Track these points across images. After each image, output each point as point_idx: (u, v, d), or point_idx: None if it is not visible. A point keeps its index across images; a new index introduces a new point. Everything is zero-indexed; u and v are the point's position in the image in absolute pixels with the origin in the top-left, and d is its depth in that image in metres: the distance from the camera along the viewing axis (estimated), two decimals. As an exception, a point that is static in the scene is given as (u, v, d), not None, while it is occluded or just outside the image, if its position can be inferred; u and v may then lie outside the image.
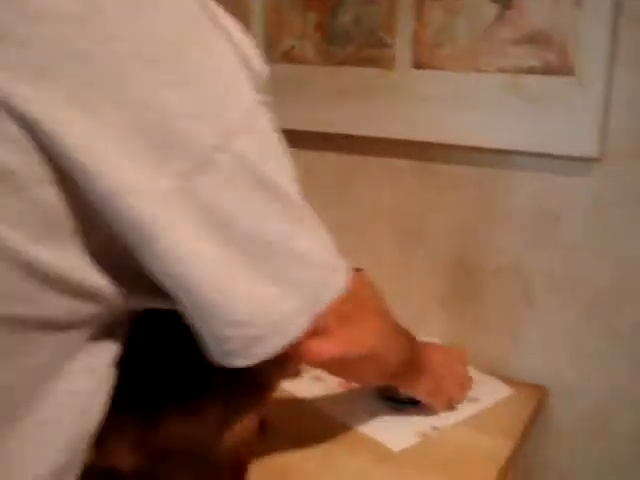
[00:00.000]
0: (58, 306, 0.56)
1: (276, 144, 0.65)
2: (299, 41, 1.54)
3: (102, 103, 0.50)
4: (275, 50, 1.57)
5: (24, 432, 0.58)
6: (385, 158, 1.53)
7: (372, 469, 1.15)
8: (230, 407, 0.86)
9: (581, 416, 1.44)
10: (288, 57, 1.55)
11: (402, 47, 1.42)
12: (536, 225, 1.42)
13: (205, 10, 0.59)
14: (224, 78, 0.60)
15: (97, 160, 0.50)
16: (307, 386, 1.40)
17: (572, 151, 1.33)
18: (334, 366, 0.87)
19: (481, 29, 1.35)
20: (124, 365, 0.68)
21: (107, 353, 0.64)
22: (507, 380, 1.45)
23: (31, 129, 0.49)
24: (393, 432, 1.26)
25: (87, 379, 0.62)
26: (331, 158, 1.59)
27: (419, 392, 1.22)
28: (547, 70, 1.32)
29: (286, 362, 0.85)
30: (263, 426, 1.15)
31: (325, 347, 0.75)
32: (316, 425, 1.28)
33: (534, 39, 1.31)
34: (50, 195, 0.52)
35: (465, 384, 1.33)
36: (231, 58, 0.60)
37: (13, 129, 0.49)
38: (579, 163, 1.35)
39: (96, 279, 0.56)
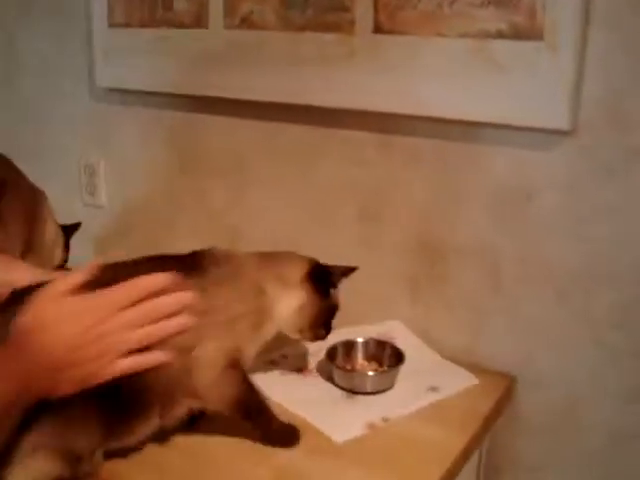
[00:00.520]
0: None
1: None
2: (258, 6, 1.44)
3: None
4: (234, 15, 1.47)
5: None
6: (346, 130, 1.44)
7: (304, 461, 1.07)
8: None
9: (552, 407, 1.35)
10: (247, 23, 1.46)
11: (362, 11, 1.32)
12: (505, 204, 1.32)
13: None
14: None
15: None
16: (262, 370, 1.31)
17: (542, 123, 1.23)
18: None
19: (445, -10, 1.25)
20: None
21: None
22: (473, 368, 1.35)
23: None
24: (339, 422, 1.18)
25: None
26: (292, 130, 1.50)
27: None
28: (515, 34, 1.21)
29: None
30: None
31: None
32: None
33: (501, 0, 1.21)
34: None
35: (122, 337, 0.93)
36: None
37: None
38: (550, 136, 1.24)
39: None
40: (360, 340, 1.36)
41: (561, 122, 1.21)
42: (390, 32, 1.30)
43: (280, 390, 1.26)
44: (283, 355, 1.39)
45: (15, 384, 0.89)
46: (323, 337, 1.23)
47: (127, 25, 1.65)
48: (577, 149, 1.23)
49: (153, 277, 0.94)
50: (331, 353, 1.32)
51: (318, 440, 1.12)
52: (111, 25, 1.67)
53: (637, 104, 1.17)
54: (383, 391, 1.28)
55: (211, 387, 1.05)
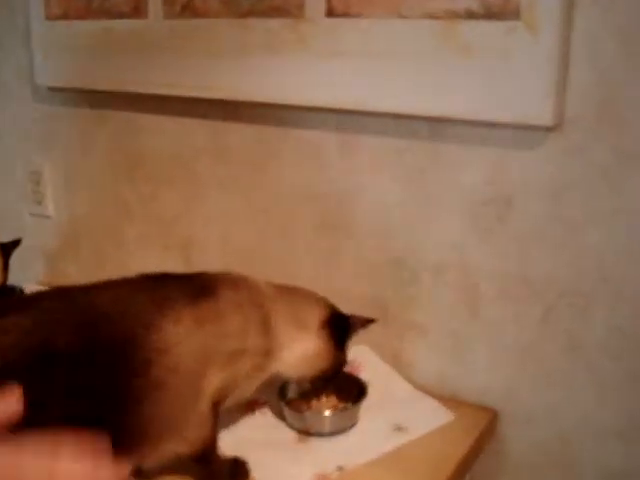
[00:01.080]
0: None
1: None
2: (200, -10, 1.27)
3: None
4: (174, 3, 1.30)
5: None
6: (302, 130, 1.26)
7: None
8: None
9: (538, 446, 1.17)
10: (188, 10, 1.29)
11: (313, -9, 1.15)
12: (482, 212, 1.14)
13: None
14: None
15: None
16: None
17: (522, 119, 1.05)
18: None
19: (406, -35, 1.07)
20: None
21: None
22: (449, 401, 1.18)
23: None
24: (283, 474, 1.01)
25: None
26: (242, 130, 1.33)
27: None
28: (487, 14, 1.03)
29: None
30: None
31: None
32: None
33: (470, -26, 1.03)
34: None
35: None
36: None
37: None
38: (532, 133, 1.07)
39: None
40: (318, 370, 1.18)
41: (544, 117, 1.03)
42: (344, 15, 1.13)
43: (221, 428, 1.08)
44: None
45: None
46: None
47: (64, 17, 1.48)
48: (563, 148, 1.06)
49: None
50: (283, 387, 1.14)
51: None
52: (48, 17, 1.50)
53: (631, 95, 0.99)
54: (343, 431, 1.10)
55: (194, 425, 0.93)
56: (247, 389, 1.02)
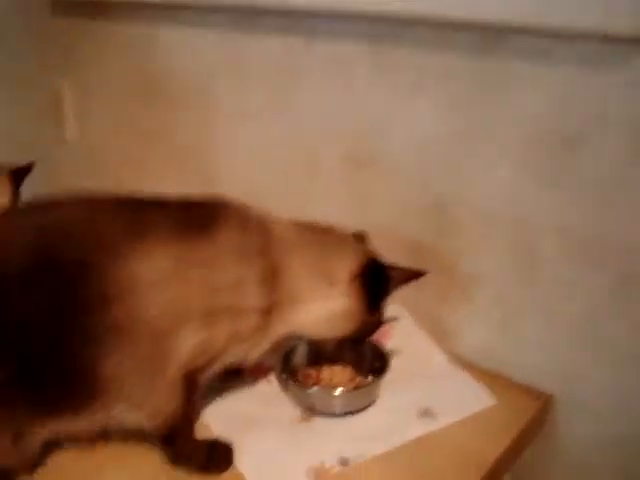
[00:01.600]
0: None
1: None
2: None
3: None
4: None
5: None
6: (330, 44, 1.04)
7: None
8: None
9: (600, 444, 0.95)
10: None
11: None
12: (544, 150, 0.89)
13: None
14: None
15: None
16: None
17: (603, 26, 0.79)
18: None
19: None
20: None
21: None
22: (493, 380, 0.97)
23: None
24: (272, 466, 0.83)
25: None
26: (264, 43, 1.12)
27: None
28: None
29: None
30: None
31: None
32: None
33: None
34: None
35: None
36: None
37: None
38: (614, 47, 0.80)
39: None
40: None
41: (633, 25, 0.77)
42: None
43: (215, 402, 0.92)
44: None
45: None
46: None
47: None
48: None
49: None
50: (288, 354, 0.96)
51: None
52: None
53: None
54: (356, 411, 0.92)
55: (159, 394, 0.77)
56: (240, 356, 0.84)
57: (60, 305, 0.72)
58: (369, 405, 0.93)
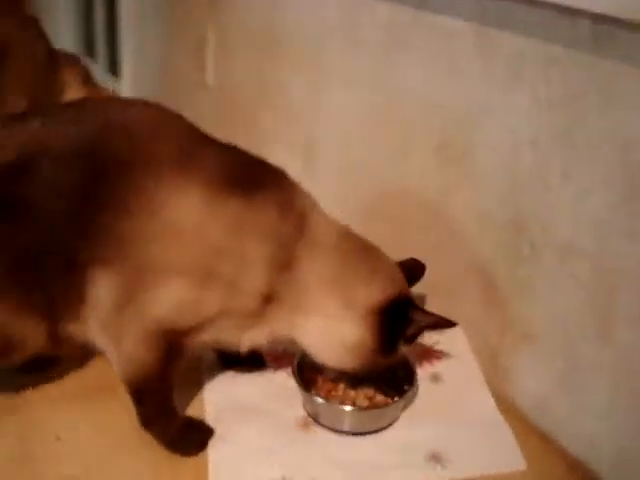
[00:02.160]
0: None
1: None
2: None
3: None
4: None
5: None
6: (436, 15, 0.91)
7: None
8: None
9: None
10: None
11: None
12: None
13: None
14: None
15: None
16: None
17: None
18: None
19: None
20: None
21: None
22: (535, 440, 0.81)
23: None
24: (244, 470, 0.76)
25: None
26: (378, 7, 1.00)
27: None
28: None
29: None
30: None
31: None
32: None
33: None
34: None
35: None
36: None
37: None
38: None
39: None
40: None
41: None
42: None
43: (222, 383, 0.86)
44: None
45: None
46: None
47: None
48: None
49: None
50: (304, 358, 0.85)
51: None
52: None
53: None
54: (363, 433, 0.81)
55: (130, 336, 0.74)
56: (231, 338, 0.77)
57: (80, 193, 0.71)
58: (380, 429, 0.81)
